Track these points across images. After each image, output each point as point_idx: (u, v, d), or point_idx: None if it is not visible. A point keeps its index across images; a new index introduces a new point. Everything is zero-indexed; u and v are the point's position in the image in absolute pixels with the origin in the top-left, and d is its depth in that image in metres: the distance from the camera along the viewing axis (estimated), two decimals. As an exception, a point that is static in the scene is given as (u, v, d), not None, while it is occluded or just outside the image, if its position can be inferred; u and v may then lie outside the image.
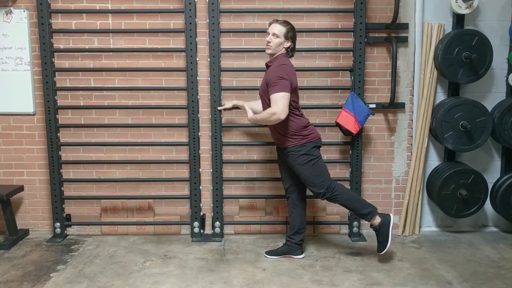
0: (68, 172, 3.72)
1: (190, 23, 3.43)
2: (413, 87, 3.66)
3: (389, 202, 3.79)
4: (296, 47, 3.12)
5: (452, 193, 3.54)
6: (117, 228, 3.75)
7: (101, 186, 3.75)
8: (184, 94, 3.57)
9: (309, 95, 3.63)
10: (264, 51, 3.06)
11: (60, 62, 3.60)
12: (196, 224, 3.64)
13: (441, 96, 3.69)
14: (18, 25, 3.57)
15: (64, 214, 3.71)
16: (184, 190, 3.75)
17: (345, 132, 3.49)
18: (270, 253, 3.32)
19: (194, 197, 3.63)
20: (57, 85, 3.59)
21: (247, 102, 3.38)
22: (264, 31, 3.07)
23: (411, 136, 3.72)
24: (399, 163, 3.76)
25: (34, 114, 3.67)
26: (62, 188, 3.67)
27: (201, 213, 3.70)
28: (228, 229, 3.76)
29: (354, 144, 3.59)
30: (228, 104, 3.50)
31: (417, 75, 3.63)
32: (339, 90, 3.65)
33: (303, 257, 3.28)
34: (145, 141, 3.70)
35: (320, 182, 3.06)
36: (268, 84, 2.93)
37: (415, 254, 3.36)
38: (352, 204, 3.16)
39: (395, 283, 2.90)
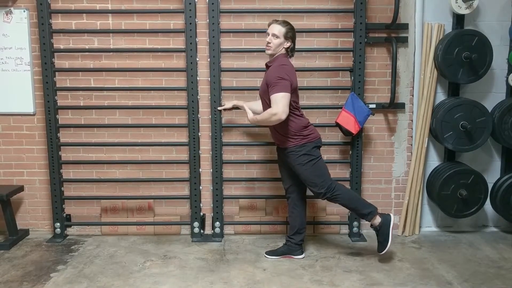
0: (68, 172, 3.72)
1: (190, 23, 3.43)
2: (413, 87, 3.66)
3: (389, 202, 3.80)
4: (296, 47, 3.12)
5: (452, 193, 3.54)
6: (117, 228, 3.75)
7: (101, 186, 3.75)
8: (184, 94, 3.57)
9: (309, 95, 3.63)
10: (264, 51, 3.06)
11: (60, 62, 3.60)
12: (196, 224, 3.64)
13: (441, 96, 3.69)
14: (18, 25, 3.57)
15: (64, 214, 3.71)
16: (184, 190, 3.75)
17: (345, 132, 3.50)
18: (270, 253, 3.32)
19: (194, 197, 3.63)
20: (57, 85, 3.59)
21: (247, 102, 3.38)
22: (264, 31, 3.07)
23: (411, 136, 3.72)
24: (399, 163, 3.76)
25: (34, 114, 3.68)
26: (62, 188, 3.67)
27: (201, 213, 3.70)
28: (228, 229, 3.76)
29: (354, 144, 3.59)
30: (228, 104, 3.50)
31: (417, 75, 3.63)
32: (339, 90, 3.65)
33: (303, 257, 3.28)
34: (145, 141, 3.70)
35: (320, 182, 3.06)
36: (268, 84, 2.93)
37: (415, 254, 3.36)
38: (353, 204, 3.16)
39: (395, 283, 2.90)
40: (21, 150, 3.72)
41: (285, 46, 3.00)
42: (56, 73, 3.58)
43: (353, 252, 3.38)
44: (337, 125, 3.50)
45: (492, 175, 3.74)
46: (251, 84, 3.58)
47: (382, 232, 3.12)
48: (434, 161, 3.76)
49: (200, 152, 3.62)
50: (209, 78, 3.51)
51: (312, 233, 3.73)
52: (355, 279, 2.95)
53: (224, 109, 3.52)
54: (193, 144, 3.57)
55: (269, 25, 3.03)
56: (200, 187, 3.64)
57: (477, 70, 3.47)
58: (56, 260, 3.26)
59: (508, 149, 3.69)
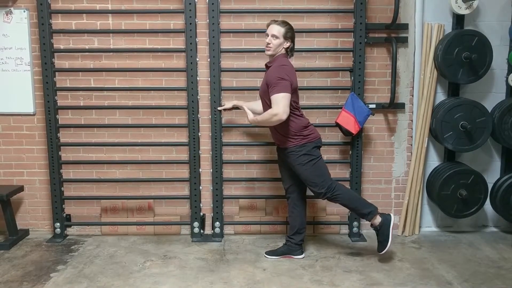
0: (68, 172, 3.72)
1: (190, 24, 3.43)
2: (413, 87, 3.66)
3: (389, 202, 3.80)
4: (296, 47, 3.12)
5: (452, 193, 3.54)
6: (117, 228, 3.75)
7: (101, 186, 3.75)
8: (184, 95, 3.58)
9: (309, 95, 3.63)
10: (264, 51, 3.06)
11: (60, 62, 3.60)
12: (196, 224, 3.64)
13: (441, 96, 3.69)
14: (18, 25, 3.57)
15: (64, 214, 3.71)
16: (184, 190, 3.75)
17: (345, 132, 3.50)
18: (270, 253, 3.32)
19: (194, 197, 3.63)
20: (57, 85, 3.59)
21: (247, 102, 3.38)
22: (264, 31, 3.06)
23: (411, 136, 3.72)
24: (399, 163, 3.76)
25: (34, 114, 3.68)
26: (62, 188, 3.67)
27: (201, 213, 3.70)
28: (228, 229, 3.76)
29: (354, 144, 3.59)
30: (228, 104, 3.50)
31: (417, 75, 3.63)
32: (339, 90, 3.65)
33: (303, 257, 3.28)
34: (145, 141, 3.70)
35: (321, 182, 3.06)
36: (269, 85, 2.93)
37: (415, 254, 3.36)
38: (353, 204, 3.16)
39: (395, 283, 2.90)
40: (21, 150, 3.72)
41: (285, 46, 3.00)
42: (56, 73, 3.58)
43: (353, 252, 3.38)
44: (337, 125, 3.50)
45: (492, 175, 3.74)
46: (251, 84, 3.58)
47: (382, 232, 3.12)
48: (434, 161, 3.76)
49: (200, 152, 3.62)
50: (209, 78, 3.51)
51: (312, 233, 3.73)
52: (355, 279, 2.95)
53: (224, 109, 3.52)
54: (193, 144, 3.57)
55: (268, 25, 3.03)
56: (200, 187, 3.64)
57: (477, 70, 3.47)
58: (56, 260, 3.26)
59: (508, 149, 3.69)
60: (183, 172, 3.71)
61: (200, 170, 3.64)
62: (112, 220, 3.74)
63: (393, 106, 3.58)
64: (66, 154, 3.68)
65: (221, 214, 3.65)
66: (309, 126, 3.09)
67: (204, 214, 3.74)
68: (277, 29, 2.96)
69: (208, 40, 3.47)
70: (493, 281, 2.92)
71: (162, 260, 3.27)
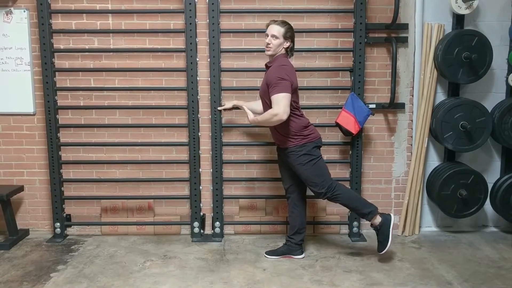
0: (68, 172, 3.72)
1: (190, 23, 3.43)
2: (413, 87, 3.66)
3: (389, 202, 3.80)
4: (296, 47, 3.12)
5: (452, 193, 3.54)
6: (117, 228, 3.75)
7: (101, 186, 3.75)
8: (184, 94, 3.58)
9: (309, 95, 3.63)
10: (264, 51, 3.06)
11: (60, 62, 3.60)
12: (196, 224, 3.64)
13: (441, 96, 3.69)
14: (18, 25, 3.57)
15: (64, 214, 3.71)
16: (184, 190, 3.75)
17: (345, 132, 3.50)
18: (270, 253, 3.32)
19: (194, 197, 3.63)
20: (57, 85, 3.59)
21: (247, 102, 3.38)
22: (264, 31, 3.06)
23: (411, 136, 3.72)
24: (399, 163, 3.76)
25: (34, 114, 3.68)
26: (62, 188, 3.67)
27: (201, 213, 3.70)
28: (228, 229, 3.76)
29: (354, 144, 3.59)
30: (228, 104, 3.50)
31: (417, 75, 3.63)
32: (339, 90, 3.65)
33: (303, 257, 3.28)
34: (145, 141, 3.70)
35: (321, 182, 3.06)
36: (269, 85, 2.93)
37: (415, 254, 3.36)
38: (353, 204, 3.16)
39: (395, 283, 2.90)
40: (21, 150, 3.72)
41: (285, 46, 3.00)
42: (56, 73, 3.58)
43: (353, 252, 3.38)
44: (337, 125, 3.50)
45: (492, 175, 3.74)
46: (251, 84, 3.58)
47: (382, 232, 3.12)
48: (434, 161, 3.76)
49: (200, 152, 3.62)
50: (209, 78, 3.51)
51: (312, 233, 3.73)
52: (355, 279, 2.95)
53: (224, 109, 3.52)
54: (193, 144, 3.57)
55: (267, 26, 3.02)
56: (200, 187, 3.64)
57: (477, 70, 3.47)
58: (56, 260, 3.26)
59: (508, 149, 3.69)
60: (183, 172, 3.71)
61: (200, 170, 3.64)
62: (112, 220, 3.74)
63: (393, 106, 3.58)
64: (66, 154, 3.68)
65: (221, 214, 3.65)
66: (309, 126, 3.09)
67: (204, 214, 3.74)
68: (276, 29, 2.96)
69: (208, 40, 3.47)
70: (493, 281, 2.92)
71: (162, 260, 3.27)
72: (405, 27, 3.58)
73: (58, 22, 3.55)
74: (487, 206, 3.68)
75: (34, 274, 3.04)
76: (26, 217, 3.81)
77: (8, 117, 3.68)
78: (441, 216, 3.80)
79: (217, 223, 3.65)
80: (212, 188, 3.64)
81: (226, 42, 3.56)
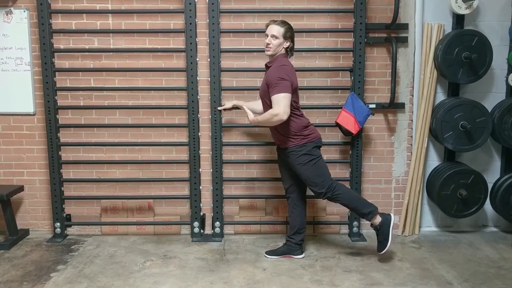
0: (68, 172, 3.72)
1: (190, 23, 3.43)
2: (413, 87, 3.66)
3: (389, 202, 3.80)
4: (296, 47, 3.12)
5: (452, 193, 3.54)
6: (117, 228, 3.75)
7: (101, 186, 3.75)
8: (184, 94, 3.58)
9: (309, 95, 3.63)
10: (264, 51, 3.06)
11: (60, 62, 3.60)
12: (196, 224, 3.64)
13: (441, 96, 3.69)
14: (18, 25, 3.57)
15: (64, 214, 3.71)
16: (184, 190, 3.75)
17: (345, 132, 3.50)
18: (270, 253, 3.32)
19: (194, 197, 3.63)
20: (57, 85, 3.59)
21: (247, 102, 3.38)
22: (264, 31, 3.06)
23: (411, 136, 3.72)
24: (399, 163, 3.76)
25: (34, 114, 3.68)
26: (62, 188, 3.67)
27: (201, 213, 3.70)
28: (228, 229, 3.76)
29: (354, 144, 3.59)
30: (228, 104, 3.49)
31: (417, 75, 3.63)
32: (339, 90, 3.65)
33: (303, 257, 3.28)
34: (145, 141, 3.70)
35: (321, 181, 3.06)
36: (269, 85, 2.93)
37: (415, 254, 3.36)
38: (353, 204, 3.16)
39: (395, 283, 2.90)
40: (21, 150, 3.72)
41: (285, 46, 3.00)
42: (56, 73, 3.59)
43: (353, 252, 3.38)
44: (337, 125, 3.50)
45: (492, 175, 3.74)
46: (251, 84, 3.58)
47: (382, 231, 3.12)
48: (434, 161, 3.76)
49: (200, 152, 3.62)
50: (209, 78, 3.51)
51: (312, 233, 3.73)
52: (355, 279, 2.95)
53: (224, 109, 3.52)
54: (193, 144, 3.57)
55: (267, 26, 3.02)
56: (200, 187, 3.64)
57: (477, 70, 3.47)
58: (56, 260, 3.26)
59: (508, 149, 3.69)
60: (183, 172, 3.71)
61: (200, 170, 3.64)
62: (112, 220, 3.74)
63: (393, 106, 3.58)
64: (66, 154, 3.69)
65: (221, 214, 3.65)
66: (309, 126, 3.09)
67: (204, 214, 3.74)
68: (276, 29, 2.96)
69: (208, 40, 3.47)
70: (493, 281, 2.92)
71: (162, 260, 3.27)
72: (405, 27, 3.58)
73: (58, 22, 3.55)
74: (487, 206, 3.68)
75: (34, 274, 3.04)
76: (26, 217, 3.81)
77: (8, 117, 3.68)
78: (441, 216, 3.80)
79: (217, 223, 3.65)
80: (212, 188, 3.64)
81: (226, 42, 3.56)
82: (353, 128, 3.44)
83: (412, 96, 3.67)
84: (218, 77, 3.49)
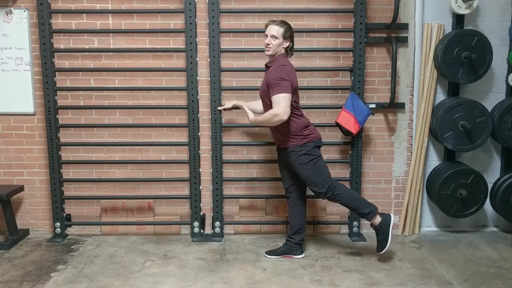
0: (68, 172, 3.72)
1: (190, 23, 3.43)
2: (413, 87, 3.66)
3: (389, 202, 3.80)
4: (296, 47, 3.13)
5: (452, 193, 3.54)
6: (117, 228, 3.75)
7: (101, 186, 3.75)
8: (184, 94, 3.58)
9: (309, 95, 3.63)
10: (264, 51, 3.06)
11: (60, 62, 3.60)
12: (196, 224, 3.64)
13: (441, 96, 3.69)
14: (18, 25, 3.57)
15: (64, 214, 3.71)
16: (184, 190, 3.75)
17: (345, 132, 3.50)
18: (270, 253, 3.32)
19: (194, 197, 3.63)
20: (57, 85, 3.59)
21: (247, 102, 3.38)
22: (264, 31, 3.06)
23: (411, 136, 3.72)
24: (399, 163, 3.76)
25: (34, 114, 3.68)
26: (62, 188, 3.67)
27: (201, 213, 3.70)
28: (228, 229, 3.76)
29: (354, 144, 3.59)
30: (228, 104, 3.50)
31: (417, 75, 3.63)
32: (339, 90, 3.65)
33: (303, 257, 3.28)
34: (145, 141, 3.70)
35: (321, 181, 3.07)
36: (269, 85, 2.93)
37: (415, 254, 3.36)
38: (353, 204, 3.16)
39: (395, 283, 2.90)
40: (21, 150, 3.72)
41: (284, 46, 3.00)
42: (56, 73, 3.59)
43: (353, 252, 3.38)
44: (337, 125, 3.50)
45: (492, 175, 3.74)
46: (251, 84, 3.58)
47: (382, 231, 3.12)
48: (434, 161, 3.76)
49: (200, 152, 3.62)
50: (209, 78, 3.51)
51: (312, 232, 3.73)
52: (355, 279, 2.95)
53: (224, 109, 3.52)
54: (193, 144, 3.57)
55: (266, 26, 3.02)
56: (200, 187, 3.64)
57: (477, 70, 3.47)
58: (56, 260, 3.26)
59: (508, 149, 3.69)
60: (183, 172, 3.71)
61: (200, 170, 3.65)
62: (112, 220, 3.74)
63: (393, 106, 3.58)
64: (66, 154, 3.69)
65: (221, 214, 3.65)
66: (309, 126, 3.09)
67: (204, 214, 3.74)
68: (276, 29, 2.96)
69: (208, 40, 3.47)
70: (493, 281, 2.92)
71: (162, 260, 3.27)
72: (405, 27, 3.58)
73: (58, 22, 3.55)
74: (487, 206, 3.68)
75: (34, 274, 3.04)
76: (26, 217, 3.82)
77: (8, 117, 3.68)
78: (441, 216, 3.80)
79: (217, 223, 3.65)
80: (212, 188, 3.64)
81: (226, 42, 3.56)
82: (353, 128, 3.44)
83: (412, 96, 3.67)
84: (218, 77, 3.49)
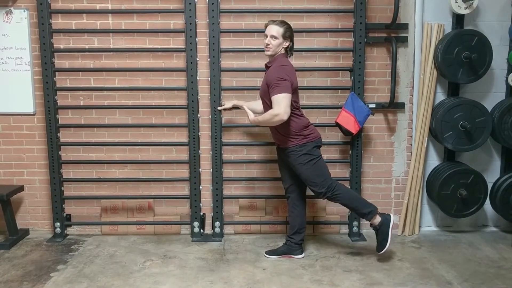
0: (68, 172, 3.72)
1: (190, 23, 3.43)
2: (413, 87, 3.66)
3: (389, 202, 3.80)
4: (296, 47, 3.13)
5: (452, 193, 3.54)
6: (117, 228, 3.75)
7: (101, 186, 3.76)
8: (184, 94, 3.58)
9: (309, 95, 3.64)
10: (264, 51, 3.06)
11: (60, 62, 3.60)
12: (196, 224, 3.64)
13: (441, 96, 3.69)
14: (18, 25, 3.57)
15: (64, 214, 3.71)
16: (184, 190, 3.75)
17: (345, 132, 3.50)
18: (270, 253, 3.32)
19: (194, 197, 3.63)
20: (57, 85, 3.59)
21: (247, 102, 3.38)
22: (264, 31, 3.06)
23: (411, 136, 3.72)
24: (399, 163, 3.76)
25: (34, 114, 3.68)
26: (62, 188, 3.67)
27: (201, 213, 3.70)
28: (228, 229, 3.76)
29: (354, 144, 3.59)
30: (228, 104, 3.50)
31: (417, 75, 3.63)
32: (339, 90, 3.65)
33: (303, 257, 3.28)
34: (145, 141, 3.70)
35: (321, 181, 3.07)
36: (269, 85, 2.93)
37: (415, 254, 3.36)
38: (353, 204, 3.16)
39: (395, 283, 2.90)
40: (21, 150, 3.72)
41: (284, 46, 3.00)
42: (56, 73, 3.59)
43: (353, 252, 3.39)
44: (337, 125, 3.50)
45: (492, 175, 3.74)
46: (251, 84, 3.58)
47: (381, 231, 3.12)
48: (434, 161, 3.76)
49: (200, 152, 3.62)
50: (209, 78, 3.51)
51: (312, 232, 3.73)
52: (355, 279, 2.95)
53: (224, 109, 3.52)
54: (193, 144, 3.57)
55: (266, 26, 3.02)
56: (200, 187, 3.64)
57: (477, 70, 3.47)
58: (56, 260, 3.27)
59: (508, 149, 3.69)
60: (183, 172, 3.71)
61: (200, 170, 3.65)
62: (112, 220, 3.74)
63: (393, 106, 3.58)
64: (66, 154, 3.69)
65: (221, 213, 3.65)
66: (309, 125, 3.09)
67: (204, 214, 3.74)
68: (275, 30, 2.96)
69: (208, 40, 3.47)
70: (493, 281, 2.92)
71: (162, 259, 3.27)
72: (405, 27, 3.58)
73: (58, 22, 3.55)
74: (487, 205, 3.68)
75: (34, 274, 3.04)
76: (26, 217, 3.82)
77: (8, 117, 3.68)
78: (441, 216, 3.80)
79: (217, 223, 3.65)
80: (212, 188, 3.64)
81: (226, 42, 3.56)
82: (353, 128, 3.44)
83: (412, 96, 3.67)
84: (218, 77, 3.49)
